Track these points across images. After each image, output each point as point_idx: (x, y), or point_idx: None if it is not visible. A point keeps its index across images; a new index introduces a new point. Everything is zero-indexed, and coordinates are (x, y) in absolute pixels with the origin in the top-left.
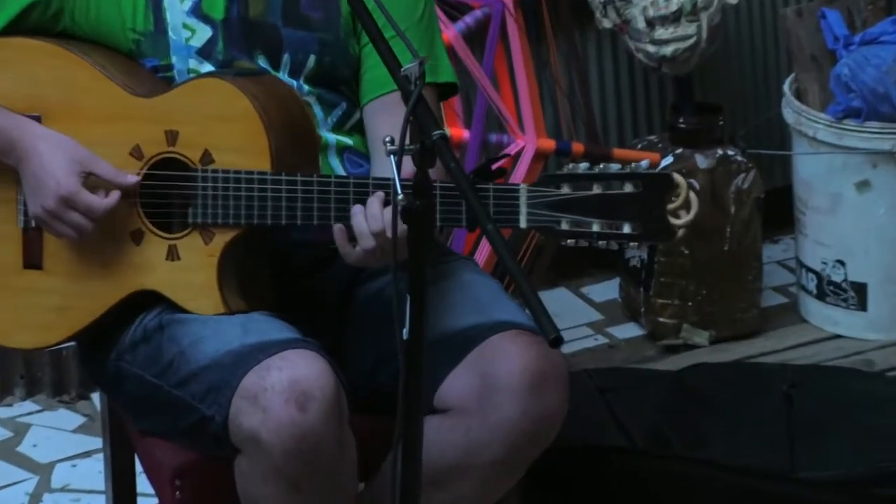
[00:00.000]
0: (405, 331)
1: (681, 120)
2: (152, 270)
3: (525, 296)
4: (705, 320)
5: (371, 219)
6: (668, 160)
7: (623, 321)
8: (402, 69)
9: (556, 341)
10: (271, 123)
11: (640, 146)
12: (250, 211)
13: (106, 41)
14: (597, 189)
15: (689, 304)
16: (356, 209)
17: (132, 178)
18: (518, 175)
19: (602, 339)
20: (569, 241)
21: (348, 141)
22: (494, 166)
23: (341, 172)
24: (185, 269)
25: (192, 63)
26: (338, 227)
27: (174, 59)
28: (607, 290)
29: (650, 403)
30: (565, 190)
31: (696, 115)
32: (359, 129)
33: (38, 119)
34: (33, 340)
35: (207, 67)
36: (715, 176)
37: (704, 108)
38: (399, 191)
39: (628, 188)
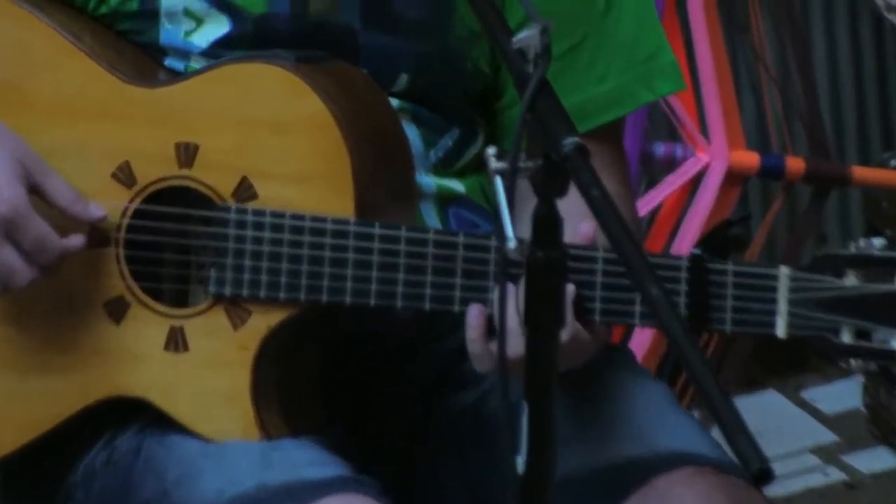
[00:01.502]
0: (520, 461)
1: None
2: (140, 365)
3: (711, 404)
4: None
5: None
6: None
7: (869, 444)
8: (515, 38)
9: (762, 476)
10: (353, 136)
11: (894, 163)
12: (317, 281)
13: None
14: None
15: None
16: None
17: (97, 212)
18: (700, 207)
19: (836, 474)
20: (852, 361)
21: (457, 187)
22: (731, 231)
23: None
24: (198, 367)
25: (195, 64)
26: (476, 310)
27: (168, 56)
28: (843, 394)
29: None
30: (851, 281)
31: None
32: (477, 168)
33: None
34: None
35: None
36: None
37: None
38: (510, 234)
39: None
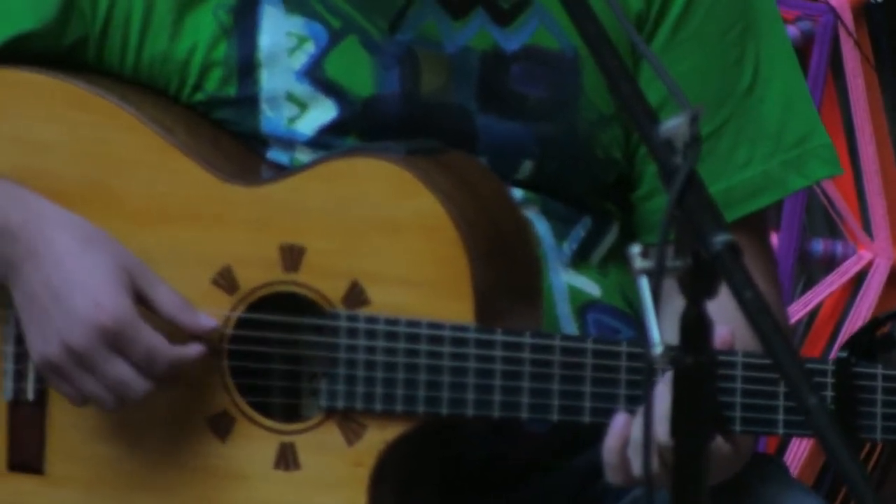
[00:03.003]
0: None
1: None
2: (248, 484)
3: None
4: None
5: (661, 422)
6: None
7: None
8: (662, 128)
9: None
10: (471, 236)
11: None
12: (436, 392)
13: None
14: None
15: None
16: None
17: (208, 322)
18: (863, 308)
19: None
20: None
21: (593, 290)
22: (880, 331)
23: None
24: (311, 486)
25: (300, 155)
26: (622, 420)
27: (271, 146)
28: None
29: None
30: None
31: None
32: (615, 261)
33: None
34: None
35: None
36: None
37: None
38: (656, 339)
39: None
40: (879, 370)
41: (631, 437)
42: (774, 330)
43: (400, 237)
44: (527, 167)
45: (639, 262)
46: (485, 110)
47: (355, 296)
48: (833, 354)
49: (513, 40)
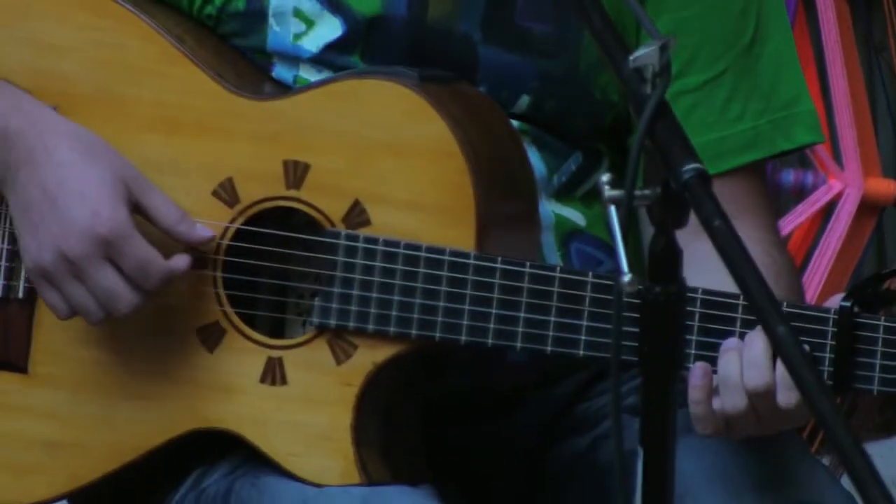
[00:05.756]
0: None
1: None
2: (233, 397)
3: (842, 451)
4: None
5: (750, 366)
6: None
7: None
8: (632, 56)
9: None
10: (478, 166)
11: None
12: (431, 316)
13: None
14: None
15: None
16: (729, 343)
17: (205, 232)
18: (833, 238)
19: None
20: None
21: (578, 219)
22: (888, 284)
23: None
24: (296, 402)
25: (304, 73)
26: (700, 370)
27: (275, 63)
28: None
29: None
30: None
31: None
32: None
33: None
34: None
35: None
36: None
37: None
38: (624, 267)
39: None
40: (882, 321)
41: (721, 379)
42: (743, 258)
43: (407, 160)
44: (524, 101)
45: (608, 192)
46: (488, 41)
47: (356, 216)
48: (803, 283)
49: None
